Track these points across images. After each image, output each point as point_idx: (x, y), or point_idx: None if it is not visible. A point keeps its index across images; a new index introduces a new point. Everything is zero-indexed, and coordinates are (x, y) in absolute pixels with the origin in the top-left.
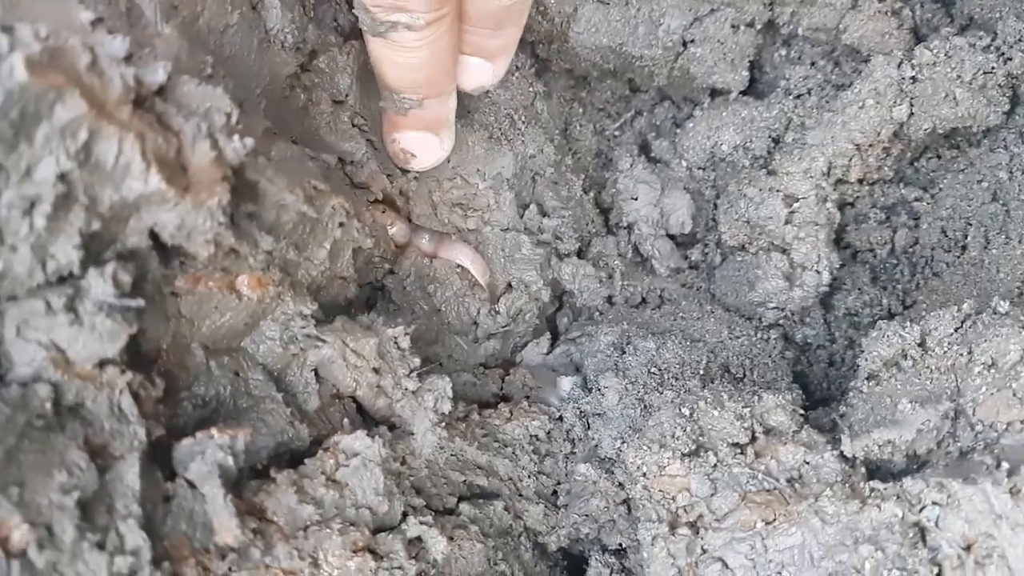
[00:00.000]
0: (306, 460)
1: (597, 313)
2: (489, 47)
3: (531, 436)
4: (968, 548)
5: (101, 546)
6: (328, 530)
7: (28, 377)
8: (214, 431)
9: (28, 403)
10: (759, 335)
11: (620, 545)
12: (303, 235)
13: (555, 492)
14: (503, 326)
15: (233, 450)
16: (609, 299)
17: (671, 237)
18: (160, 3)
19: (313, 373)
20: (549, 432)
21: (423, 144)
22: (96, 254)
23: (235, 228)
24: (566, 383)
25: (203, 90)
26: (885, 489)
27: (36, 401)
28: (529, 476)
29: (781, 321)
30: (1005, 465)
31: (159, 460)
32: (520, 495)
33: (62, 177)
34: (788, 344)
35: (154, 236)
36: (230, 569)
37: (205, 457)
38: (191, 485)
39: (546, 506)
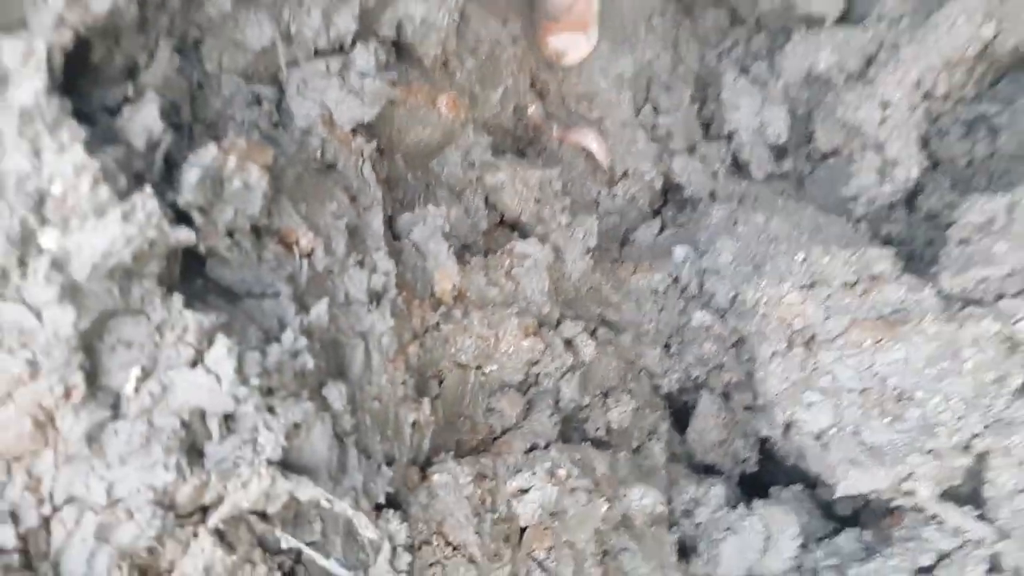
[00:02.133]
0: (487, 255)
1: (702, 206)
2: None
3: (652, 289)
4: None
5: (361, 264)
6: (508, 311)
7: (304, 129)
8: (429, 206)
9: (305, 147)
10: (850, 225)
11: (727, 383)
12: (486, 73)
13: (668, 344)
14: (619, 207)
15: (448, 221)
16: (712, 195)
17: (768, 147)
18: None
19: (484, 200)
20: (667, 289)
21: (573, 43)
22: (362, 34)
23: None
24: (680, 251)
25: None
26: (981, 312)
27: (309, 149)
28: (650, 322)
29: (870, 216)
30: None
31: None
32: (640, 339)
33: None
34: (875, 238)
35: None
36: (439, 322)
37: (427, 223)
38: (415, 247)
39: (662, 351)
